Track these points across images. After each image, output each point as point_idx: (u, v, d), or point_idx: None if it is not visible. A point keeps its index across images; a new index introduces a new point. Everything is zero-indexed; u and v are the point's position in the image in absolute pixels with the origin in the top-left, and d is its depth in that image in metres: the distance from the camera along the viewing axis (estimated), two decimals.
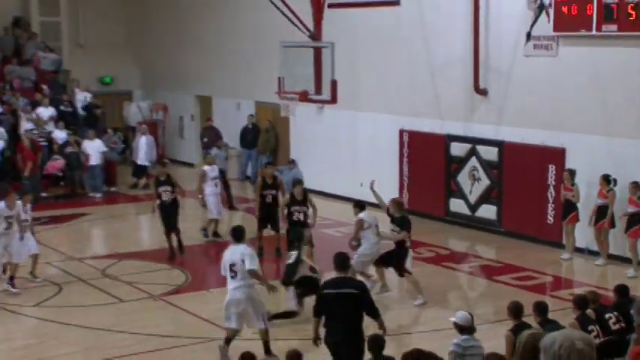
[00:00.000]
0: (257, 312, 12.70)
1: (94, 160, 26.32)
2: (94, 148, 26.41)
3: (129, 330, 14.27)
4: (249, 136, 27.95)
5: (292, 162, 25.79)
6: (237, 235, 12.84)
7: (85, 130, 27.70)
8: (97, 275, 17.81)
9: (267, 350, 12.68)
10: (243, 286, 12.50)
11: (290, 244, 16.57)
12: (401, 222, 16.23)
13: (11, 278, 16.63)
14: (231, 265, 12.48)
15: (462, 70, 21.21)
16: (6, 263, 16.84)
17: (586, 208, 18.27)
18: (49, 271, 18.23)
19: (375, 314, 10.94)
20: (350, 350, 10.50)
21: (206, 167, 20.84)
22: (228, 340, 12.76)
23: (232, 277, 12.49)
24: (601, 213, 17.81)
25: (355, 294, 10.74)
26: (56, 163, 25.77)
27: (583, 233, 18.54)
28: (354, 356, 10.44)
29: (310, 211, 18.12)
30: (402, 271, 15.96)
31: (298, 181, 18.72)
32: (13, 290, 16.49)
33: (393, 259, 16.10)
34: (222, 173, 22.73)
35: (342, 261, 11.09)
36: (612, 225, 17.81)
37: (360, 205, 16.83)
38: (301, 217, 17.85)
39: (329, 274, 12.25)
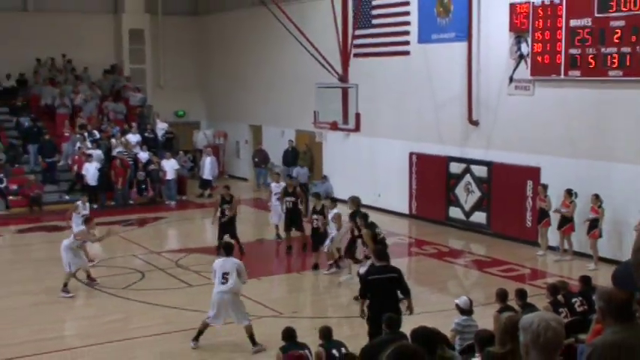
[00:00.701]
0: (239, 312, 12.43)
1: (170, 175, 26.47)
2: (169, 166, 26.57)
3: (197, 308, 14.32)
4: (289, 157, 27.96)
5: (324, 177, 25.81)
6: (228, 250, 12.69)
7: (163, 152, 27.90)
8: (172, 265, 17.89)
9: (254, 342, 12.34)
10: (231, 292, 12.27)
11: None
12: (353, 216, 15.85)
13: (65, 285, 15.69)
14: (224, 274, 12.23)
15: (459, 105, 21.15)
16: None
17: (557, 214, 18.10)
18: (135, 262, 18.35)
19: (408, 294, 10.87)
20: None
21: (273, 184, 20.55)
22: (201, 332, 12.52)
23: (223, 283, 12.22)
24: (564, 220, 17.72)
25: (395, 277, 10.70)
26: (148, 193, 25.80)
27: (553, 235, 18.37)
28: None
29: (329, 219, 17.21)
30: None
31: (316, 195, 18.13)
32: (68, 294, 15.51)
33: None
34: (303, 186, 21.70)
35: (382, 252, 11.01)
36: (573, 229, 17.75)
37: (334, 200, 17.04)
38: (319, 224, 17.20)
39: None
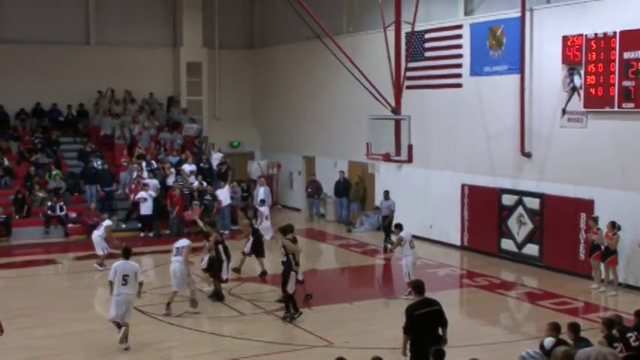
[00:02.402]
0: (129, 311, 13.95)
1: (225, 203, 26.58)
2: (224, 195, 26.67)
3: (250, 338, 14.31)
4: (341, 188, 27.97)
5: (377, 208, 25.75)
6: (127, 253, 14.00)
7: (218, 182, 28.08)
8: (225, 294, 17.81)
9: (126, 339, 13.77)
10: (129, 293, 13.75)
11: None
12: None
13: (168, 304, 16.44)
14: (124, 276, 13.68)
15: (512, 137, 20.99)
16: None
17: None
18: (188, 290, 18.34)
19: (446, 325, 10.71)
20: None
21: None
22: (118, 325, 13.90)
23: (123, 285, 13.67)
24: (607, 251, 17.59)
25: (439, 310, 10.56)
26: (195, 210, 25.99)
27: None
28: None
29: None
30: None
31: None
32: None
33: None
34: (385, 219, 22.95)
35: (421, 286, 10.85)
36: (617, 261, 17.59)
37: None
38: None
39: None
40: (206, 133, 32.32)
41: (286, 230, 16.00)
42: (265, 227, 21.71)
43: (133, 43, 31.74)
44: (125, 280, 13.68)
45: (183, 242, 16.78)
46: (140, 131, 29.46)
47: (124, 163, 27.76)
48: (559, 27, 19.37)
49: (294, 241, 16.03)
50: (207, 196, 26.47)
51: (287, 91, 32.11)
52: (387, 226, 23.09)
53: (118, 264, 13.86)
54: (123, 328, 13.83)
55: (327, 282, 19.28)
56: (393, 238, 18.35)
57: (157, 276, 20.34)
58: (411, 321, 10.55)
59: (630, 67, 17.47)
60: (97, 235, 20.95)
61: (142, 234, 25.44)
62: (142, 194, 25.56)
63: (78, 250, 23.46)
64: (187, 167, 27.79)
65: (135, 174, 26.78)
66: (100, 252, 20.83)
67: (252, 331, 14.77)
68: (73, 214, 25.79)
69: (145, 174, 26.82)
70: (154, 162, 27.78)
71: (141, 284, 14.06)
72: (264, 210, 22.37)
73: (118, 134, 29.04)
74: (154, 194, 25.84)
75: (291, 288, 15.47)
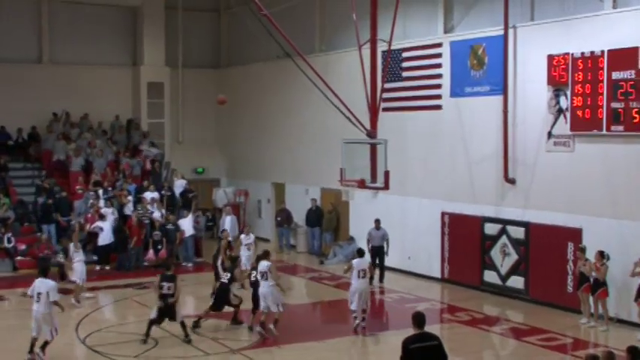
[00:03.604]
0: (48, 327, 14.80)
1: (188, 233, 26.42)
2: (187, 225, 26.56)
3: None
4: (313, 217, 27.87)
5: (351, 239, 25.67)
6: (44, 271, 15.37)
7: (181, 210, 27.88)
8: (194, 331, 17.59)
9: (44, 352, 14.90)
10: (44, 311, 14.79)
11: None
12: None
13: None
14: (39, 294, 14.80)
15: (494, 162, 21.06)
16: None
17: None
18: None
19: None
20: None
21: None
22: (33, 344, 14.87)
23: (37, 302, 14.82)
24: (597, 283, 17.61)
25: (438, 345, 10.46)
26: (161, 254, 25.82)
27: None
28: None
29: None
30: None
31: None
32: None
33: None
34: (376, 249, 23.00)
35: (421, 319, 10.74)
36: (607, 294, 17.62)
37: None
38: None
39: None
40: (168, 158, 32.21)
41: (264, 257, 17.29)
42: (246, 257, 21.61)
43: (90, 62, 31.60)
44: (38, 297, 14.79)
45: (265, 265, 17.08)
46: (97, 155, 29.21)
47: (79, 191, 27.47)
48: (544, 45, 19.49)
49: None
50: (170, 226, 26.26)
51: (255, 113, 32.11)
52: (381, 259, 23.11)
53: (36, 280, 15.06)
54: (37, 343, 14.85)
55: (297, 318, 19.08)
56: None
57: (114, 313, 20.06)
58: (406, 355, 10.44)
59: (619, 88, 17.61)
60: (77, 262, 20.56)
61: (97, 267, 25.12)
62: (98, 224, 25.29)
63: (27, 285, 22.92)
64: (148, 195, 27.60)
65: (90, 202, 26.50)
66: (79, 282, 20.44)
67: None
68: (22, 247, 25.38)
69: (102, 202, 26.55)
70: (110, 189, 27.53)
71: (56, 303, 14.99)
72: (244, 239, 22.26)
73: (72, 159, 28.71)
74: (111, 222, 25.57)
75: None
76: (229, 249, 21.12)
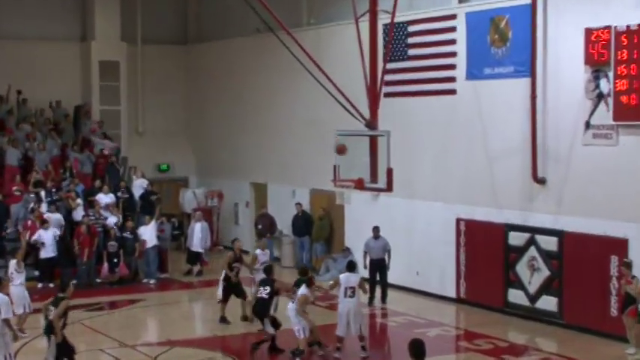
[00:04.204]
0: (8, 347, 15.05)
1: (150, 243, 26.32)
2: (149, 234, 26.43)
3: None
4: (300, 224, 27.80)
5: (347, 250, 25.52)
6: None
7: (141, 216, 27.70)
8: None
9: None
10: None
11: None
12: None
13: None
14: None
15: (520, 158, 20.97)
16: None
17: None
18: (102, 358, 18.10)
19: None
20: None
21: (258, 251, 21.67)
22: None
23: None
24: (628, 299, 17.70)
25: None
26: (121, 269, 25.79)
27: None
28: None
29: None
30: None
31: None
32: None
33: None
34: (376, 263, 23.01)
35: (418, 349, 10.60)
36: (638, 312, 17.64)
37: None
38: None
39: None
40: (125, 152, 32.07)
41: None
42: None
43: (28, 36, 31.39)
44: None
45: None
46: (39, 149, 29.03)
47: (17, 193, 27.25)
48: (581, 17, 19.40)
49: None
50: (128, 235, 26.09)
51: (231, 99, 32.03)
52: (382, 274, 23.03)
53: None
54: None
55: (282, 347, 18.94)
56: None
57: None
58: None
59: None
60: (17, 285, 19.66)
61: (40, 284, 24.93)
62: (40, 234, 25.05)
63: None
64: (102, 198, 27.47)
65: (31, 206, 26.27)
66: (20, 310, 19.48)
67: None
68: None
69: (45, 207, 26.34)
70: (55, 191, 27.30)
71: (5, 321, 14.95)
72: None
73: (8, 153, 28.44)
74: (57, 232, 25.35)
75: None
76: (239, 262, 20.98)
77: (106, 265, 25.74)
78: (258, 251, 21.44)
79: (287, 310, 17.91)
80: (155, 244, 26.53)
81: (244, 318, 20.58)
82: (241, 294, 20.73)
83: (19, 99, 30.99)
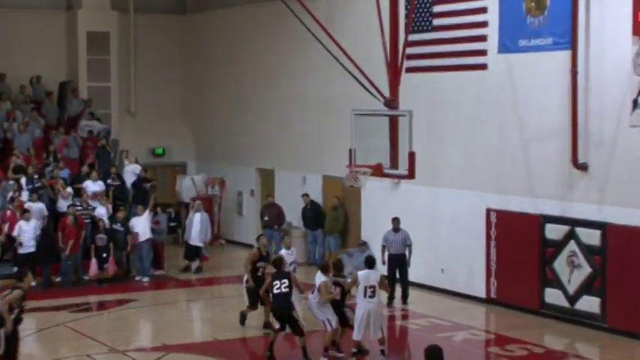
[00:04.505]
0: None
1: (143, 236, 26.34)
2: (143, 226, 26.43)
3: None
4: (310, 216, 27.86)
5: (364, 244, 25.48)
6: None
7: (134, 206, 27.75)
8: None
9: None
10: None
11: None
12: None
13: None
14: None
15: (559, 141, 20.90)
16: None
17: None
18: None
19: None
20: None
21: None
22: None
23: None
24: None
25: None
26: (110, 266, 25.80)
27: None
28: None
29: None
30: None
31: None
32: None
33: None
34: (396, 258, 22.98)
35: (436, 356, 10.65)
36: None
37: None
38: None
39: None
40: (116, 134, 32.16)
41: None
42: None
43: (9, 5, 31.49)
44: None
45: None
46: (19, 130, 29.16)
47: None
48: None
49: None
50: (118, 227, 26.17)
51: (235, 75, 32.07)
52: (402, 271, 23.04)
53: None
54: None
55: (290, 353, 18.98)
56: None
57: (40, 343, 20.03)
58: None
59: None
60: None
61: (19, 283, 24.87)
62: (21, 225, 25.13)
63: None
64: (90, 185, 27.53)
65: (10, 195, 26.36)
66: None
67: None
68: None
69: (26, 195, 26.44)
70: (37, 177, 27.37)
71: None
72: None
73: None
74: (39, 224, 25.46)
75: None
76: (264, 260, 20.49)
77: (94, 260, 25.75)
78: (283, 251, 20.93)
79: (308, 304, 18.03)
80: (149, 238, 26.51)
81: (266, 324, 20.07)
82: (265, 298, 19.93)
83: None
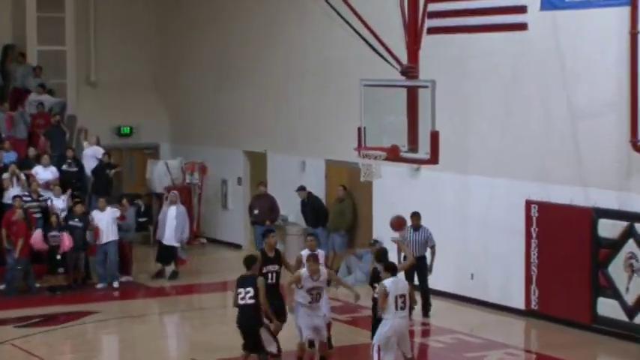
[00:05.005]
0: None
1: (109, 236, 26.30)
2: (106, 221, 26.41)
3: None
4: (308, 213, 27.88)
5: (375, 243, 25.33)
6: None
7: (94, 197, 27.67)
8: None
9: None
10: None
11: None
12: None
13: None
14: None
15: (615, 118, 20.86)
16: None
17: None
18: None
19: None
20: None
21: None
22: None
23: None
24: None
25: None
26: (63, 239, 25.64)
27: None
28: None
29: None
30: None
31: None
32: None
33: None
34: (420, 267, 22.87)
35: None
36: None
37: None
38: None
39: None
40: (73, 110, 32.25)
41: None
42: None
43: None
44: None
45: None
46: None
47: None
48: None
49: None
50: (76, 222, 26.09)
51: (218, 38, 32.21)
52: (422, 277, 23.11)
53: None
54: None
55: None
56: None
57: None
58: None
59: None
60: None
61: None
62: None
63: None
64: (41, 172, 27.54)
65: None
66: None
67: None
68: None
69: None
70: None
71: None
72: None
73: None
74: None
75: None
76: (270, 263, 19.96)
77: (38, 231, 25.66)
78: (304, 252, 20.38)
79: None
80: (114, 240, 26.46)
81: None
82: (281, 313, 19.46)
83: None
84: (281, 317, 19.32)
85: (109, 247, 26.37)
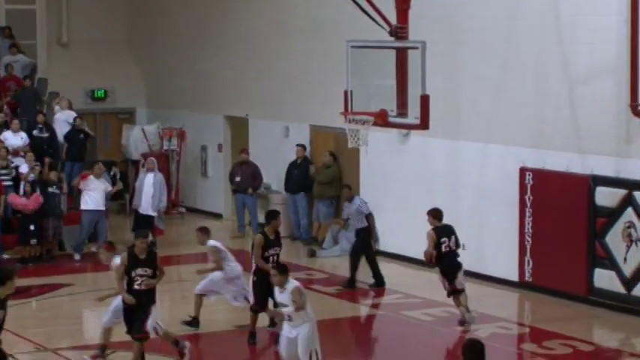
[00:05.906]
0: None
1: (90, 204, 26.35)
2: (101, 189, 26.50)
3: None
4: (296, 176, 27.93)
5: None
6: None
7: (67, 164, 27.74)
8: None
9: None
10: None
11: None
12: None
13: None
14: None
15: (614, 83, 20.97)
16: None
17: None
18: None
19: None
20: None
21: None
22: None
23: None
24: None
25: None
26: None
27: None
28: None
29: None
30: None
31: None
32: None
33: None
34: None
35: (477, 354, 10.78)
36: None
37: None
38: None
39: None
40: (43, 72, 32.24)
41: None
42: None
43: None
44: None
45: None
46: None
47: None
48: None
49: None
50: (53, 189, 26.19)
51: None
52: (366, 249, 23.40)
53: None
54: None
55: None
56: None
57: None
58: None
59: None
60: None
61: None
62: None
63: None
64: (10, 138, 27.62)
65: None
66: None
67: None
68: None
69: None
70: None
71: None
72: None
73: None
74: None
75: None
76: (273, 246, 19.91)
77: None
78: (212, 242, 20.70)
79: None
80: (95, 205, 26.50)
81: (272, 323, 19.84)
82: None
83: None
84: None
85: (101, 217, 26.59)
